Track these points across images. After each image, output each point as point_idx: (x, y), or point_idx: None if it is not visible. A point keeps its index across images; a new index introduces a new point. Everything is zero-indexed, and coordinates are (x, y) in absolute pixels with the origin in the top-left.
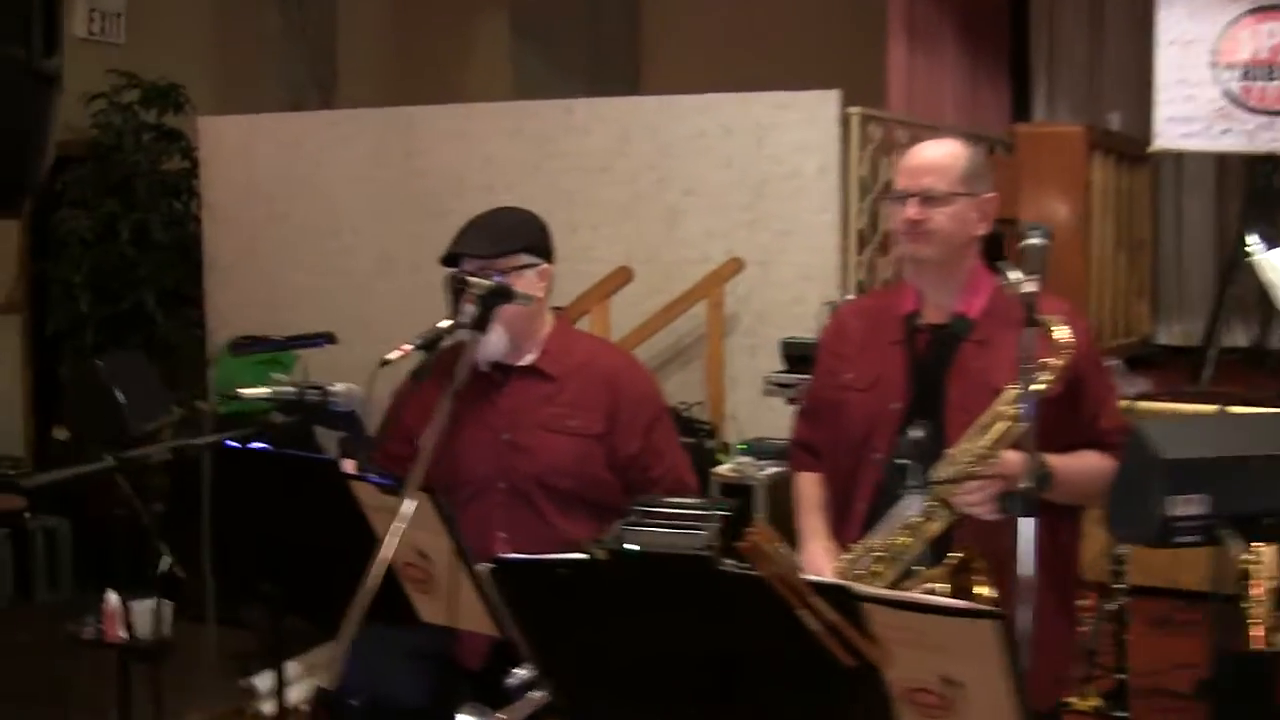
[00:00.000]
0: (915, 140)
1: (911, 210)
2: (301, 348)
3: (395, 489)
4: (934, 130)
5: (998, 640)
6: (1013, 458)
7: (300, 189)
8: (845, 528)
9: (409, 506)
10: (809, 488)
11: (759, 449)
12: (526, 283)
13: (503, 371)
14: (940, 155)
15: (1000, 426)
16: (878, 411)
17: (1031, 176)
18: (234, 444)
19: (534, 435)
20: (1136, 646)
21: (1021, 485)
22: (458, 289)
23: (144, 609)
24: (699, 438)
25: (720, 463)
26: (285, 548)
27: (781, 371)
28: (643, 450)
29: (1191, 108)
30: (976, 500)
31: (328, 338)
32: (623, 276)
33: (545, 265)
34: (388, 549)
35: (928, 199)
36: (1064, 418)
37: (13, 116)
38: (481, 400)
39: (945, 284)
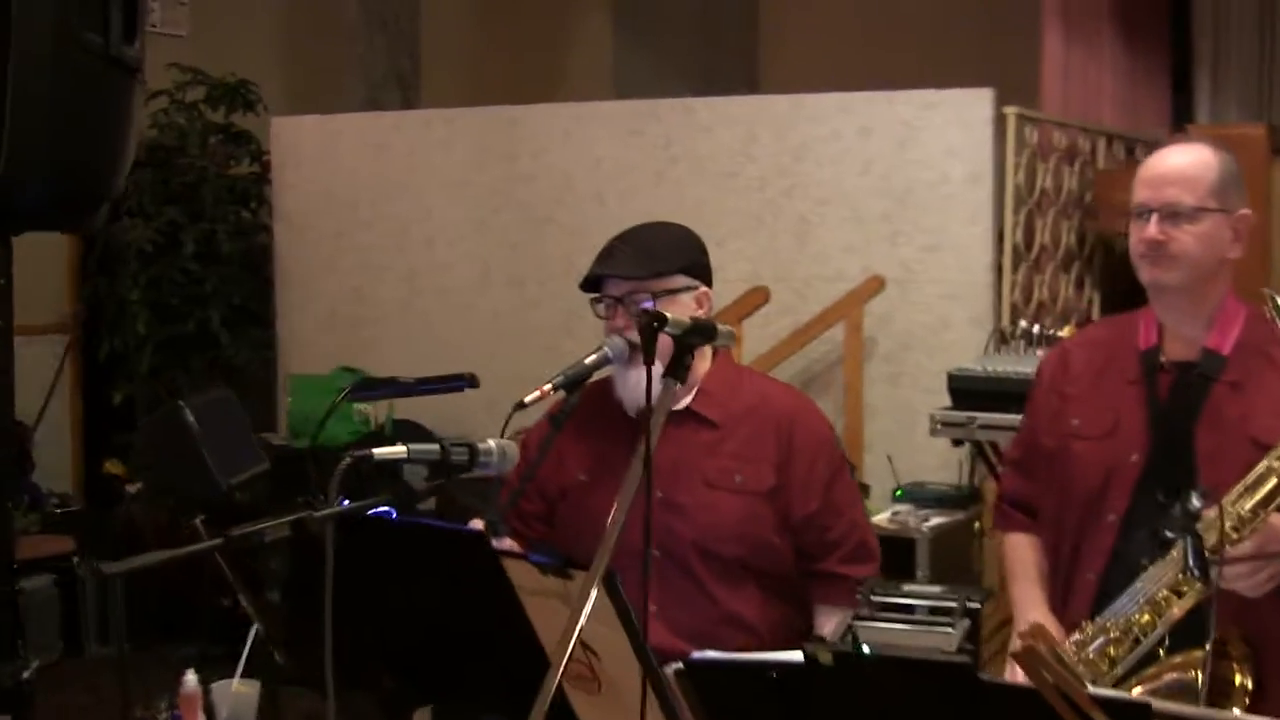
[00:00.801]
0: (1072, 145)
1: (1153, 229)
2: (438, 392)
3: (561, 569)
4: (1093, 134)
5: None
6: None
7: (387, 196)
8: (1071, 600)
9: (584, 592)
10: (1024, 552)
11: (918, 495)
12: (682, 308)
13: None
14: (1187, 163)
15: (1272, 485)
16: (1113, 464)
17: None
18: (373, 514)
19: (693, 492)
20: None
21: None
22: (650, 326)
23: (228, 694)
24: None
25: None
26: (416, 635)
27: (948, 408)
28: (821, 509)
29: None
30: (1246, 574)
31: (469, 380)
32: (759, 297)
33: (704, 288)
34: (562, 644)
35: (1173, 215)
36: None
37: (92, 111)
38: (629, 451)
39: (1192, 314)
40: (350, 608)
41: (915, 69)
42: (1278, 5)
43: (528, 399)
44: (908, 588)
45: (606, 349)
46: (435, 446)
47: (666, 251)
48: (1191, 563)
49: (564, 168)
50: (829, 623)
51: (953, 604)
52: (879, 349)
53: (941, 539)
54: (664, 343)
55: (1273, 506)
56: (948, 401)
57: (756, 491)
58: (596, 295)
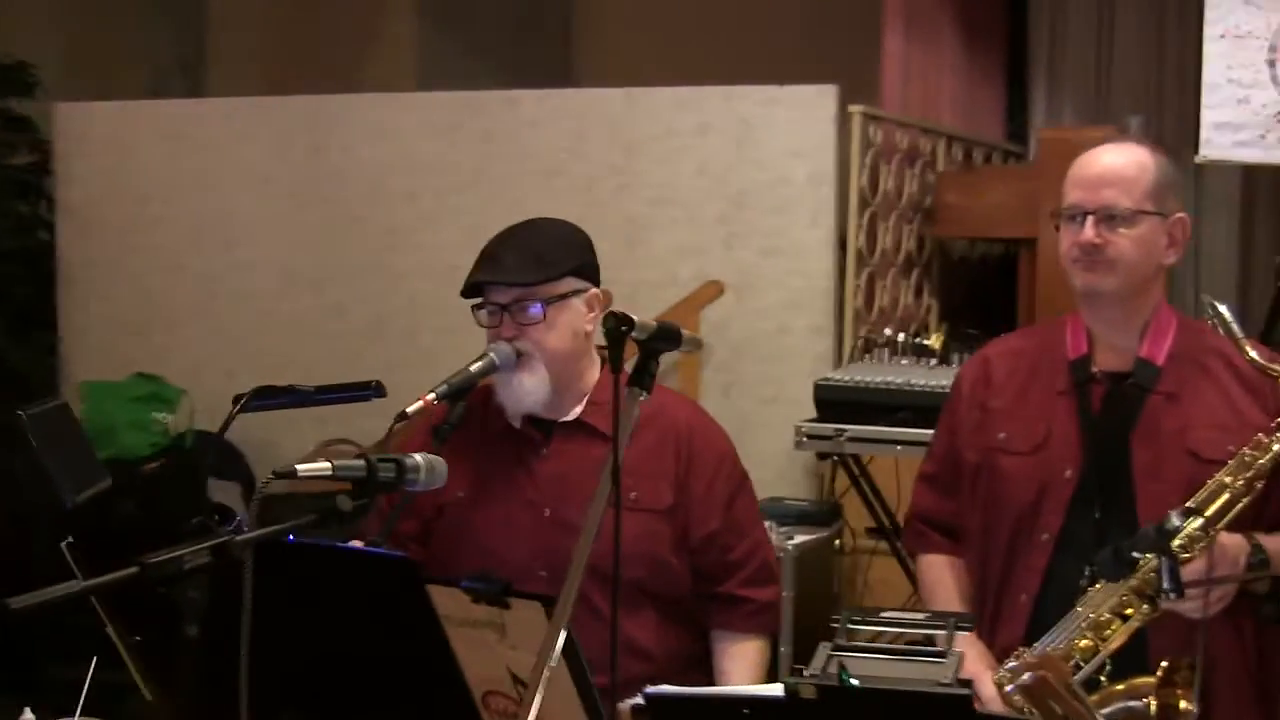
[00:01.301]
0: (914, 146)
1: (1090, 232)
2: (340, 401)
3: (498, 596)
4: (934, 135)
5: None
6: (1230, 542)
7: (182, 190)
8: (1001, 625)
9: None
10: (942, 573)
11: (778, 512)
12: (573, 314)
13: (542, 429)
14: (1124, 164)
15: (1221, 502)
16: (1045, 480)
17: (1055, 188)
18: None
19: (585, 510)
20: None
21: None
22: (618, 331)
23: None
24: None
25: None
26: (326, 668)
27: (813, 420)
28: (723, 528)
29: (1245, 113)
30: (1196, 595)
31: (375, 389)
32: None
33: (594, 290)
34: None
35: (1109, 218)
36: (1272, 488)
37: None
38: (515, 467)
39: (1125, 323)
40: (259, 638)
41: (748, 64)
42: (1115, 8)
43: (410, 409)
44: (887, 615)
45: (493, 355)
46: (360, 463)
47: (554, 253)
48: (1168, 584)
49: (375, 163)
50: (730, 649)
51: (938, 628)
52: (714, 357)
53: (804, 557)
54: (550, 344)
55: (1222, 524)
56: (786, 411)
57: (653, 509)
58: (478, 302)
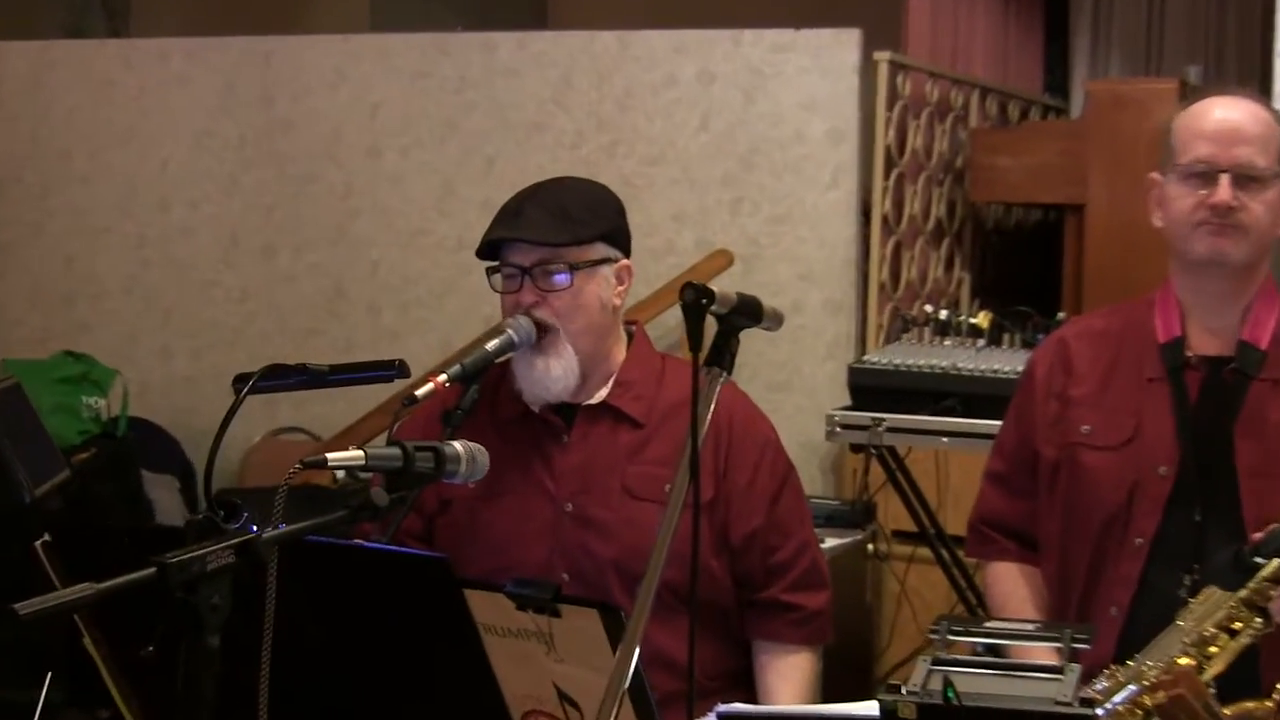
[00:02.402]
0: (945, 99)
1: (1226, 193)
2: (361, 382)
3: (548, 603)
4: (968, 86)
5: None
6: None
7: (110, 144)
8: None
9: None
10: (1014, 585)
11: None
12: (602, 284)
13: (563, 414)
14: (1252, 119)
15: None
16: (1137, 478)
17: (1107, 148)
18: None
19: (611, 505)
20: None
21: None
22: (698, 304)
23: None
24: None
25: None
26: (347, 680)
27: (847, 408)
28: (767, 526)
29: None
30: None
31: (398, 369)
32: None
33: (624, 260)
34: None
35: (1244, 179)
36: None
37: None
38: (532, 456)
39: (1235, 300)
40: (277, 648)
41: (757, 5)
42: None
43: (420, 393)
44: (992, 625)
45: (511, 331)
46: (395, 451)
47: (585, 213)
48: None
49: (332, 114)
50: (775, 662)
51: (1052, 638)
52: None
53: (833, 563)
54: (576, 320)
55: None
56: (800, 399)
57: (690, 503)
58: (495, 264)
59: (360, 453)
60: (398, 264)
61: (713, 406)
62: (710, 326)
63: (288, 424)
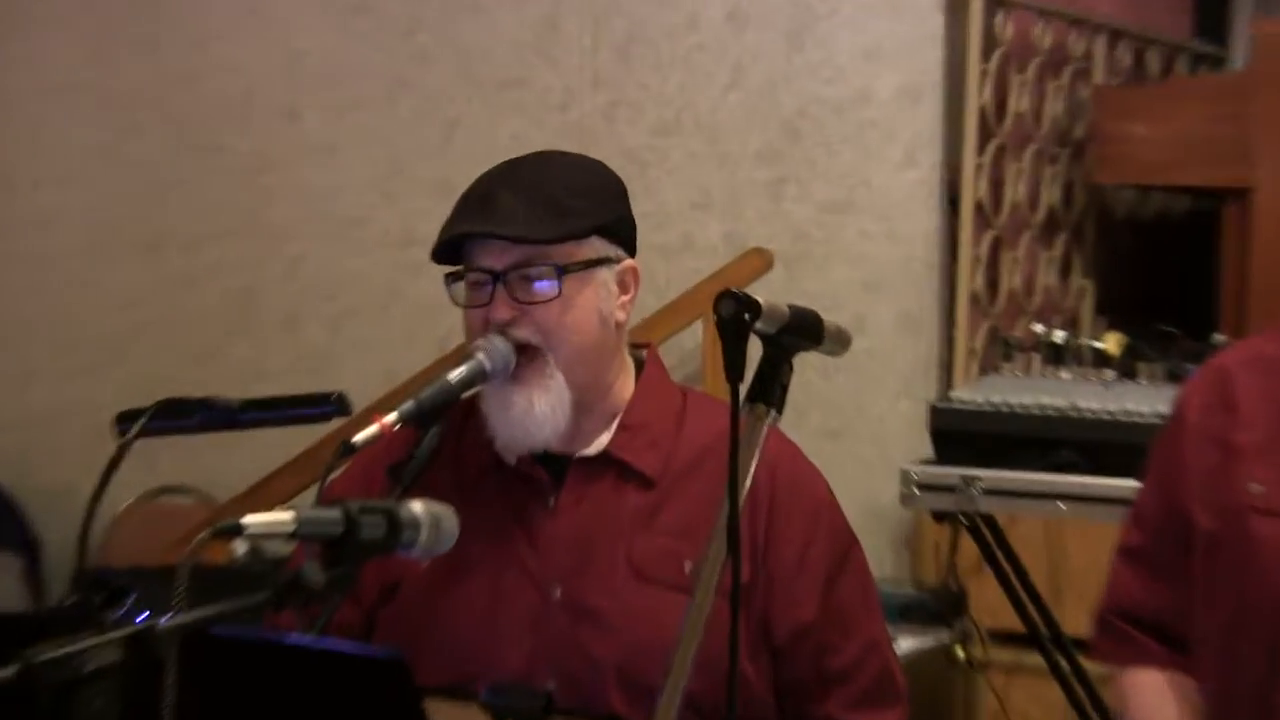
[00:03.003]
0: (1060, 47)
1: None
2: (285, 421)
3: (539, 714)
4: (1090, 28)
5: None
6: None
7: None
8: None
9: None
10: (1160, 697)
11: None
12: (600, 292)
13: (551, 468)
14: None
15: None
16: None
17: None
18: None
19: (614, 589)
20: None
21: None
22: (738, 319)
23: None
24: None
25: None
26: None
27: (928, 461)
28: (822, 620)
29: None
30: None
31: (336, 405)
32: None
33: (629, 260)
34: None
35: None
36: None
37: None
38: (509, 524)
39: None
40: None
41: None
42: None
43: (360, 438)
44: None
45: (480, 357)
46: (335, 514)
47: (576, 199)
48: None
49: (239, 66)
50: None
51: None
52: (753, 365)
53: (908, 671)
54: (569, 344)
55: None
56: (865, 451)
57: (718, 589)
58: (457, 269)
59: (289, 515)
60: (327, 264)
61: (756, 457)
62: (751, 351)
63: (169, 482)
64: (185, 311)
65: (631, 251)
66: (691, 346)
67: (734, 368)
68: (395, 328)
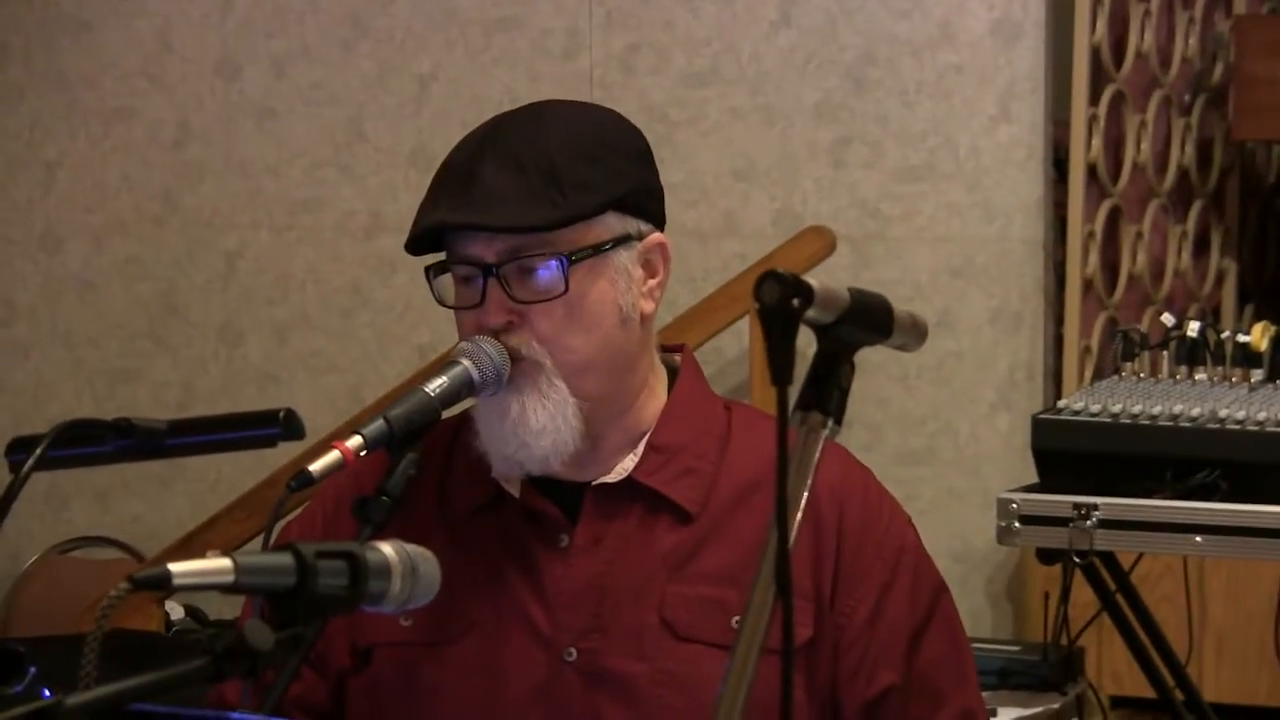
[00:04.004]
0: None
1: None
2: (219, 447)
3: None
4: None
5: None
6: None
7: None
8: None
9: None
10: None
11: None
12: (618, 281)
13: (562, 499)
14: None
15: None
16: None
17: None
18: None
19: (643, 650)
20: None
21: None
22: (785, 307)
23: None
24: None
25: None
26: None
27: (1031, 490)
28: (905, 686)
29: None
30: None
31: (285, 427)
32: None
33: (656, 235)
34: None
35: None
36: None
37: None
38: (512, 570)
39: None
40: None
41: None
42: None
43: (317, 467)
44: None
45: (468, 364)
46: (285, 559)
47: (583, 165)
48: None
49: (156, 6)
50: None
51: None
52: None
53: None
54: (576, 343)
55: None
56: (952, 476)
57: (774, 649)
58: (438, 261)
59: (227, 562)
60: (271, 259)
61: (810, 480)
62: (805, 347)
63: (84, 532)
64: (89, 321)
65: (659, 224)
66: (736, 353)
67: (780, 367)
68: (360, 338)
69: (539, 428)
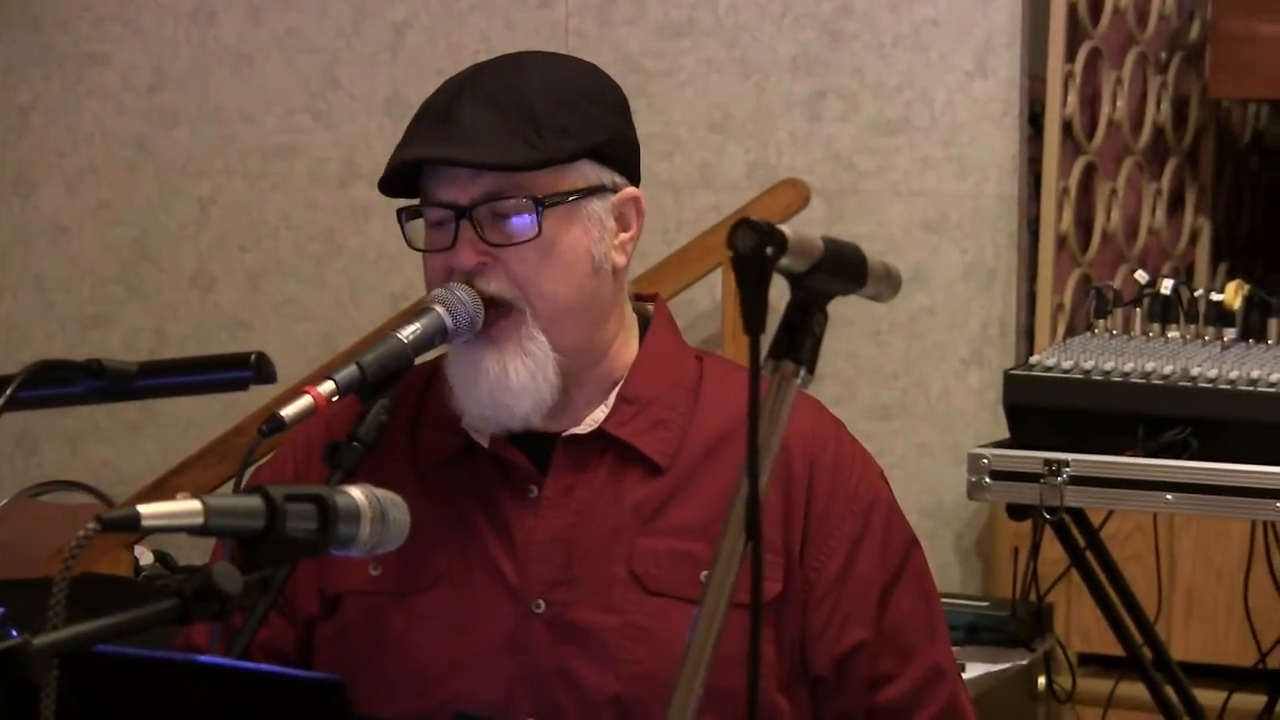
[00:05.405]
0: None
1: None
2: (190, 389)
3: None
4: None
5: None
6: None
7: None
8: None
9: None
10: None
11: None
12: (591, 230)
13: (532, 451)
14: None
15: None
16: None
17: None
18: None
19: (612, 603)
20: None
21: None
22: (758, 255)
23: None
24: None
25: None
26: None
27: (1002, 445)
28: (875, 641)
29: None
30: None
31: (257, 369)
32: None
33: (631, 189)
34: None
35: None
36: None
37: None
38: (482, 521)
39: None
40: None
41: None
42: None
43: (289, 411)
44: None
45: (440, 310)
46: (255, 502)
47: (560, 111)
48: None
49: None
50: None
51: None
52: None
53: (980, 704)
54: (550, 295)
55: None
56: (924, 431)
57: (743, 603)
58: (412, 204)
59: (197, 504)
60: (243, 204)
61: (781, 429)
62: (778, 298)
63: (53, 475)
64: (59, 267)
65: (634, 178)
66: (709, 305)
67: (753, 315)
68: (333, 285)
69: (519, 388)
